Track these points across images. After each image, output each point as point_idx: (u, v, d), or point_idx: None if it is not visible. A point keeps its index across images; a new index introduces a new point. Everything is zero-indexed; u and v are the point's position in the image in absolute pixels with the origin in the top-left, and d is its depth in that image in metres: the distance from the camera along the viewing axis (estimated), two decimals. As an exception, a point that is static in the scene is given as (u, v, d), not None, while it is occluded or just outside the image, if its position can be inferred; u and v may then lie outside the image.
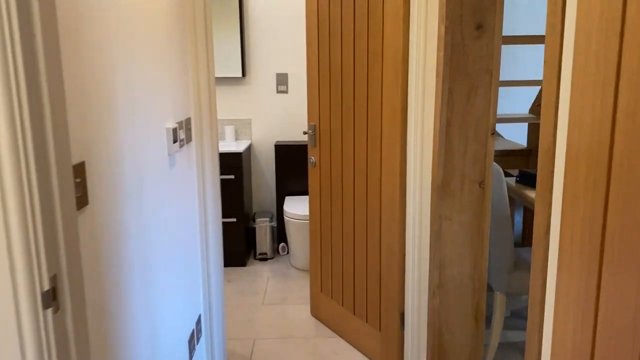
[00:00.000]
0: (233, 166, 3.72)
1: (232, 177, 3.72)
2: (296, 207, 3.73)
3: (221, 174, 3.73)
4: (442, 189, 1.98)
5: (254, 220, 3.97)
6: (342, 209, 2.72)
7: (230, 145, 4.02)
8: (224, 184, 3.74)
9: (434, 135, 1.98)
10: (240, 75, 3.95)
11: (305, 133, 2.92)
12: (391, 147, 2.31)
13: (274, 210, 4.27)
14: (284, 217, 3.71)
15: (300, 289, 3.51)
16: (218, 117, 4.09)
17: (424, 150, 2.09)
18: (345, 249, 2.74)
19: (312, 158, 2.91)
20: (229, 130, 4.04)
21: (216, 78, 4.04)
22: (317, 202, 2.95)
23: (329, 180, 2.81)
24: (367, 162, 2.49)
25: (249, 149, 4.07)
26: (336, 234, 2.80)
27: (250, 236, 4.08)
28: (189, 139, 2.10)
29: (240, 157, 3.72)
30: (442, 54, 1.88)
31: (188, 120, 2.09)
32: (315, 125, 2.87)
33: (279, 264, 3.94)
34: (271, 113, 4.12)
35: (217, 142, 2.33)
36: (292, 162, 4.00)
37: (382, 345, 2.54)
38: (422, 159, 2.10)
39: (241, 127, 4.13)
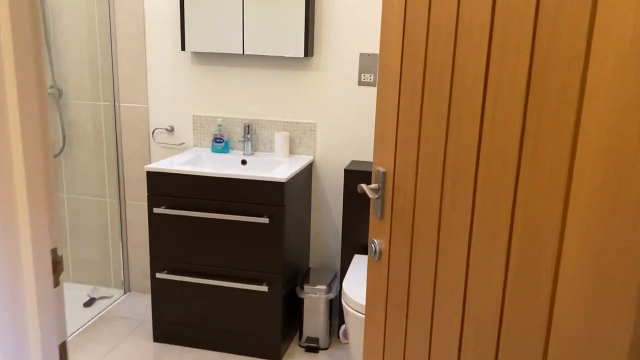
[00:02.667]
0: (269, 203, 2.27)
1: (266, 221, 2.27)
2: (364, 288, 2.18)
3: (250, 213, 2.30)
4: None
5: (302, 287, 2.50)
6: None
7: (278, 163, 2.57)
8: (249, 230, 2.31)
9: None
10: (301, 54, 2.47)
11: (362, 192, 1.36)
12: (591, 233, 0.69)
13: (336, 269, 2.77)
14: (342, 301, 2.20)
15: None
16: (260, 118, 2.67)
17: None
18: None
19: (376, 242, 1.37)
20: (280, 139, 2.59)
21: (259, 57, 2.61)
22: (378, 326, 1.39)
23: (406, 292, 1.24)
24: (513, 261, 0.89)
25: (307, 171, 2.59)
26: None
27: (293, 311, 2.62)
28: None
29: (281, 191, 2.26)
30: None
31: None
32: (384, 175, 1.32)
33: (338, 359, 2.45)
34: (348, 116, 2.60)
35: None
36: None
37: None
38: None
39: (300, 135, 2.66)
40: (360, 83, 2.54)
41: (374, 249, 1.36)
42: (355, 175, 2.45)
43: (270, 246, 2.31)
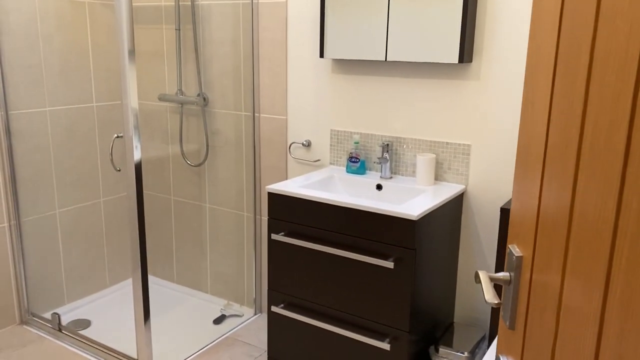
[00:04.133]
0: (397, 244, 1.85)
1: (391, 265, 1.85)
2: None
3: (374, 254, 1.90)
4: None
5: (436, 350, 2.02)
6: None
7: (418, 192, 2.12)
8: (373, 272, 1.91)
9: None
10: (455, 59, 1.99)
11: (477, 281, 0.87)
12: None
13: (487, 328, 2.20)
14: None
15: None
16: (403, 136, 2.23)
17: None
18: None
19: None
20: (423, 163, 2.13)
21: (403, 64, 2.17)
22: None
23: None
24: None
25: (456, 203, 2.09)
26: None
27: (431, 368, 2.14)
28: None
29: (412, 230, 1.81)
30: None
31: None
32: (519, 261, 0.83)
33: None
34: (512, 138, 2.03)
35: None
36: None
37: None
38: None
39: (449, 159, 2.17)
40: (533, 96, 1.95)
41: None
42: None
43: (396, 296, 1.88)
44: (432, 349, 2.03)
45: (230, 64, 2.65)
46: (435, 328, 2.12)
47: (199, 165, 2.89)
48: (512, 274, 0.83)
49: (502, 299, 0.88)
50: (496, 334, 1.98)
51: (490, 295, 0.82)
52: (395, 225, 1.83)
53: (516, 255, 0.82)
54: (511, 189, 2.05)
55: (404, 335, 1.90)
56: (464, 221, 2.19)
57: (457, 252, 2.21)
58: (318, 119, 2.47)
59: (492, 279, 0.84)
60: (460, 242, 2.21)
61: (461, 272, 2.23)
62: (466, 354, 1.95)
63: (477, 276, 0.86)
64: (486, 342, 2.10)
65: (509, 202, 1.96)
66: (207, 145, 2.82)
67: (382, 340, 1.92)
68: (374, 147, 2.33)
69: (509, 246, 0.86)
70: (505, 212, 1.90)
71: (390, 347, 1.92)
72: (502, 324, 0.89)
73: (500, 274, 0.85)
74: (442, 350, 1.99)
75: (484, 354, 2.02)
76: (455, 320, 2.29)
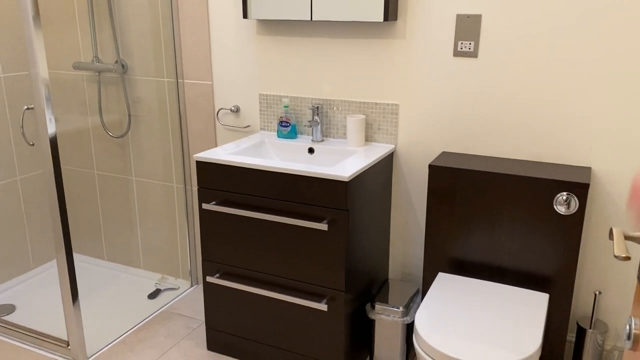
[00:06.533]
0: (330, 206, 1.85)
1: (325, 227, 1.85)
2: (449, 324, 1.69)
3: (307, 217, 1.90)
4: None
5: (372, 307, 2.07)
6: None
7: (350, 154, 2.12)
8: (308, 236, 1.91)
9: None
10: (380, 17, 1.97)
11: (611, 238, 0.95)
12: None
13: (420, 283, 2.27)
14: (413, 340, 1.72)
15: None
16: (332, 98, 2.22)
17: None
18: None
19: (634, 322, 0.88)
20: (353, 124, 2.12)
21: (329, 23, 2.13)
22: None
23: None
24: None
25: (386, 163, 2.12)
26: None
27: (363, 332, 2.18)
28: None
29: (343, 191, 1.81)
30: None
31: None
32: None
33: (410, 399, 2.00)
34: (440, 95, 2.06)
35: None
36: (465, 202, 1.93)
37: None
38: None
39: (378, 119, 2.17)
40: (456, 53, 1.98)
41: (628, 330, 0.89)
42: (443, 173, 1.93)
43: (331, 257, 1.89)
44: (368, 306, 2.08)
45: (149, 26, 2.51)
46: (370, 286, 2.16)
47: (122, 136, 2.75)
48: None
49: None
50: (428, 287, 2.04)
51: (620, 250, 0.84)
52: (328, 188, 1.83)
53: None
54: (439, 147, 2.09)
55: (341, 295, 1.92)
56: (394, 180, 2.22)
57: (389, 210, 2.25)
58: (245, 84, 2.40)
59: (626, 237, 0.87)
60: (392, 200, 2.24)
61: (394, 230, 2.28)
62: (401, 308, 2.01)
63: (610, 232, 0.88)
64: (420, 296, 2.17)
65: (437, 158, 2.00)
66: (129, 115, 2.68)
67: (320, 302, 1.94)
68: (304, 111, 2.30)
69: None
70: (433, 169, 1.94)
71: (328, 307, 1.95)
72: (638, 286, 0.91)
73: (638, 233, 0.87)
74: (378, 306, 2.04)
75: (418, 307, 2.08)
76: (389, 276, 2.34)
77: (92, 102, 2.78)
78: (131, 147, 2.75)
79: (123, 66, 2.61)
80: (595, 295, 1.91)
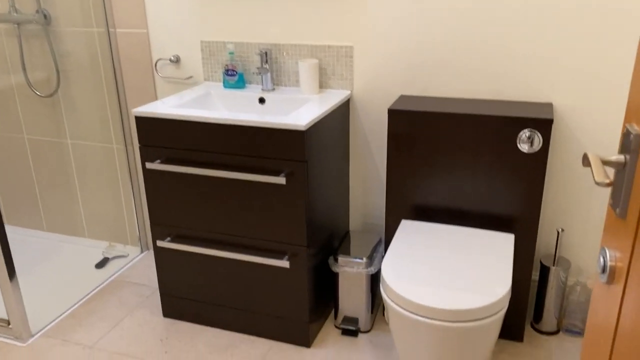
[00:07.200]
0: (287, 158, 1.73)
1: (283, 181, 1.73)
2: (416, 271, 1.63)
3: (263, 171, 1.77)
4: None
5: (335, 259, 1.99)
6: None
7: (303, 102, 1.99)
8: (265, 191, 1.79)
9: None
10: (329, -50, 1.80)
11: (588, 166, 0.78)
12: None
13: (382, 232, 2.21)
14: (380, 288, 1.66)
15: None
16: (282, 42, 2.06)
17: None
18: None
19: (608, 253, 0.79)
20: (306, 70, 1.98)
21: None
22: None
23: None
24: None
25: (343, 110, 2.00)
26: None
27: (326, 286, 2.11)
28: None
29: (301, 141, 1.69)
30: None
31: None
32: (637, 140, 0.76)
33: (381, 345, 1.95)
34: (396, 35, 1.94)
35: None
36: (426, 146, 1.85)
37: None
38: None
39: (332, 63, 2.04)
40: (412, -12, 1.86)
41: (603, 262, 0.81)
42: (403, 117, 1.83)
43: (290, 211, 1.79)
44: (331, 259, 2.00)
45: (71, -30, 2.24)
46: (332, 238, 2.08)
47: (51, 95, 2.50)
48: (628, 156, 0.75)
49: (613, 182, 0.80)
50: (392, 236, 1.98)
51: (600, 176, 0.75)
52: (284, 139, 1.70)
53: (634, 133, 0.73)
54: (396, 90, 1.99)
55: (302, 250, 1.83)
56: (352, 127, 2.11)
57: (348, 159, 2.15)
58: (184, 30, 2.19)
59: (603, 162, 0.77)
60: (350, 148, 2.14)
61: (353, 180, 2.19)
62: (364, 259, 1.94)
63: (585, 158, 0.78)
64: (382, 246, 2.12)
65: (396, 102, 1.90)
66: (58, 71, 2.43)
67: (281, 259, 1.84)
68: (252, 57, 2.13)
69: (626, 125, 0.77)
70: (393, 113, 1.84)
71: (290, 264, 1.85)
72: (611, 213, 0.82)
73: (614, 157, 0.77)
74: (341, 259, 1.96)
75: (382, 257, 2.03)
76: (350, 228, 2.27)
77: (13, 59, 2.50)
78: (63, 106, 2.51)
79: (45, 16, 2.34)
80: (558, 232, 1.89)
